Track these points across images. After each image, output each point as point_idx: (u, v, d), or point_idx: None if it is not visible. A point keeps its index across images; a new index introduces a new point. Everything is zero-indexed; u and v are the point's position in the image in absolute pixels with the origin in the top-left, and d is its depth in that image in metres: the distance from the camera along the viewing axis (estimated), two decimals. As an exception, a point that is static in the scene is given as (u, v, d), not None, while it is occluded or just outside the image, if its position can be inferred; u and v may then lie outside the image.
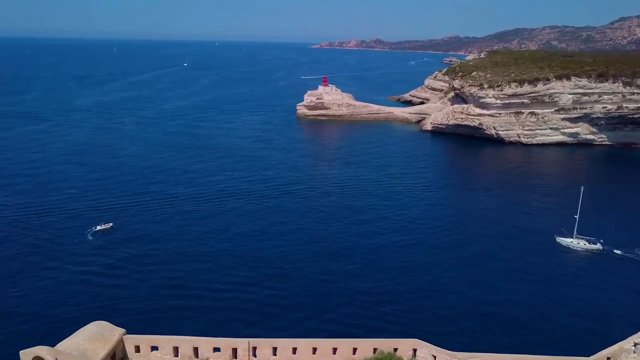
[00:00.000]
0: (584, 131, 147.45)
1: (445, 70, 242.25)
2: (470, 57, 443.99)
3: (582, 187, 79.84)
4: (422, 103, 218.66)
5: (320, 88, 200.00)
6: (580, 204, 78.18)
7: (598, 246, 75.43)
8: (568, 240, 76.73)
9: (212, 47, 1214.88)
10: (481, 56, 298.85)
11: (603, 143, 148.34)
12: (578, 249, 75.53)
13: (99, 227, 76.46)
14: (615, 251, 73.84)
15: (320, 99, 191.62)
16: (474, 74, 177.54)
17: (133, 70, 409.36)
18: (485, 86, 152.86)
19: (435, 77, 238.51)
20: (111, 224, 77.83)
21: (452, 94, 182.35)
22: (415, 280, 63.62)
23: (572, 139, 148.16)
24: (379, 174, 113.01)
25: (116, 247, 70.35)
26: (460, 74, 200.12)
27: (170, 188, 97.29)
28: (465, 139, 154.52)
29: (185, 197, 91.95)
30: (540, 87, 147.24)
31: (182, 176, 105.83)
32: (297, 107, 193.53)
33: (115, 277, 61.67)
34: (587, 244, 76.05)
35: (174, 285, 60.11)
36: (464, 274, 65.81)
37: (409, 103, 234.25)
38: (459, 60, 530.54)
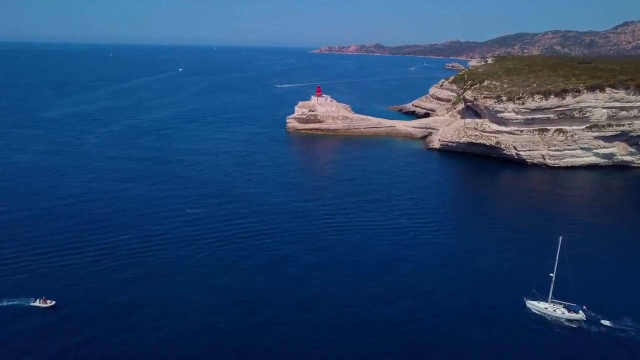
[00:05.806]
0: (621, 151, 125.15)
1: (452, 78, 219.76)
2: (473, 62, 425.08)
3: (560, 237, 59.76)
4: (427, 115, 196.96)
5: (314, 98, 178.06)
6: (557, 257, 58.40)
7: (580, 315, 56.09)
8: (542, 305, 57.52)
9: (211, 51, 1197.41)
10: (488, 62, 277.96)
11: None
12: (553, 317, 56.26)
13: (37, 303, 55.14)
14: (603, 322, 55.06)
15: (313, 110, 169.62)
16: (486, 83, 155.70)
17: (122, 76, 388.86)
18: (504, 98, 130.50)
19: (441, 85, 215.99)
20: (54, 302, 55.58)
21: (461, 105, 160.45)
22: None
23: (607, 160, 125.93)
24: (380, 211, 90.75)
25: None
26: (470, 82, 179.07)
27: (111, 236, 75.21)
28: (480, 160, 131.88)
29: (130, 252, 69.93)
30: (569, 99, 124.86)
31: (131, 219, 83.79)
32: (287, 120, 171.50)
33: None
34: (566, 311, 56.75)
35: None
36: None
37: (412, 114, 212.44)
38: (462, 66, 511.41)
